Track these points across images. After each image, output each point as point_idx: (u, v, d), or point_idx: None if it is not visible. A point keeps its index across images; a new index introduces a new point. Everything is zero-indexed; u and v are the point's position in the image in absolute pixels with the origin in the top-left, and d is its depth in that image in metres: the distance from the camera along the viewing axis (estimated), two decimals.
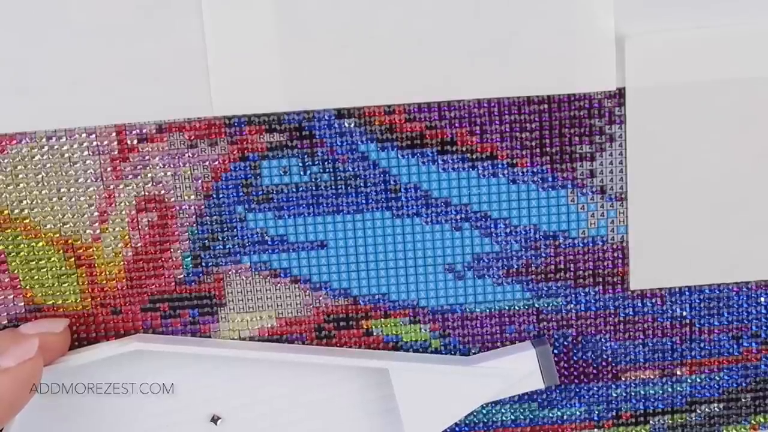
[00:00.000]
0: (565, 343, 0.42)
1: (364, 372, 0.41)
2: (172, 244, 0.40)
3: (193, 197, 0.40)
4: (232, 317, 0.41)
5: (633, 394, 0.43)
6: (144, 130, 0.39)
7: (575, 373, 0.42)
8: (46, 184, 0.39)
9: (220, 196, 0.40)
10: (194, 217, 0.40)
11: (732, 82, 0.39)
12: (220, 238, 0.40)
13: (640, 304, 0.42)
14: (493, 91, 0.39)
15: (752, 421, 0.43)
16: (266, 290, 0.41)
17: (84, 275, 0.40)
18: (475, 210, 0.40)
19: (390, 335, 0.42)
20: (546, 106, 0.39)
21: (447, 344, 0.42)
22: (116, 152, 0.39)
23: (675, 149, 0.39)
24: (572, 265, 0.41)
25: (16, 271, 0.40)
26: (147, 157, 0.39)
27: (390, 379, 0.40)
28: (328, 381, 0.41)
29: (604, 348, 0.42)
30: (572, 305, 0.41)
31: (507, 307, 0.41)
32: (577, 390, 0.43)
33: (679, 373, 0.42)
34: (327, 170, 0.40)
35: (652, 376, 0.42)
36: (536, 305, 0.41)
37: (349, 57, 0.38)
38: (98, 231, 0.40)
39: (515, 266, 0.41)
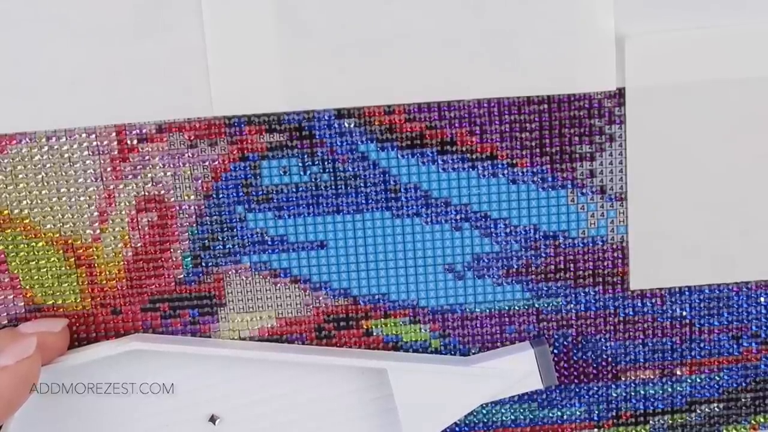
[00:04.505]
0: (565, 343, 0.42)
1: (364, 372, 0.41)
2: (172, 244, 0.40)
3: (193, 197, 0.40)
4: (232, 317, 0.41)
5: (633, 394, 0.43)
6: (144, 130, 0.39)
7: (575, 373, 0.42)
8: (46, 184, 0.39)
9: (220, 196, 0.40)
10: (194, 217, 0.40)
11: (732, 82, 0.39)
12: (220, 238, 0.40)
13: (640, 304, 0.42)
14: (493, 91, 0.39)
15: (752, 421, 0.43)
16: (266, 290, 0.41)
17: (84, 275, 0.40)
18: (475, 210, 0.40)
19: (390, 335, 0.42)
20: (546, 106, 0.39)
21: (447, 344, 0.42)
22: (116, 152, 0.39)
23: (675, 149, 0.39)
24: (572, 265, 0.41)
25: (16, 271, 0.40)
26: (147, 157, 0.39)
27: (389, 380, 0.40)
28: (328, 381, 0.41)
29: (604, 348, 0.42)
30: (572, 305, 0.41)
31: (507, 307, 0.41)
32: (577, 390, 0.43)
33: (679, 373, 0.42)
34: (327, 170, 0.40)
35: (652, 376, 0.42)
36: (536, 305, 0.41)
37: (349, 57, 0.38)
38: (98, 231, 0.40)
39: (515, 266, 0.41)
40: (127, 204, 0.40)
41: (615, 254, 0.41)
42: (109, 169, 0.39)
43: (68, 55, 0.38)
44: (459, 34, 0.38)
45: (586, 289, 0.41)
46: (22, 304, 0.40)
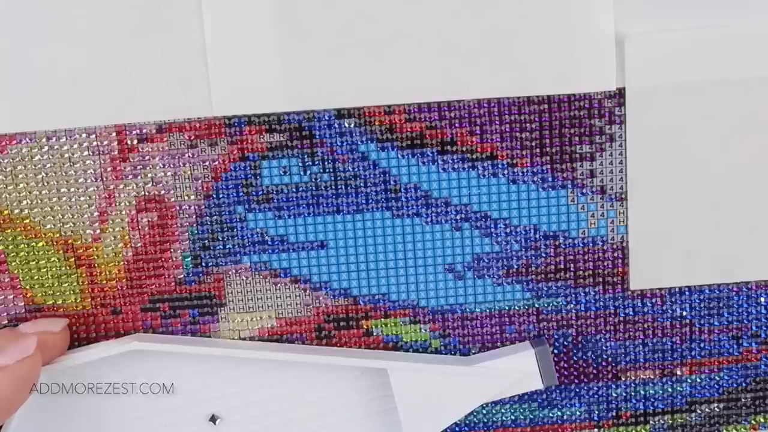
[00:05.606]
0: (565, 343, 0.42)
1: (364, 372, 0.41)
2: (172, 244, 0.40)
3: (193, 197, 0.40)
4: (232, 317, 0.41)
5: (633, 394, 0.43)
6: (144, 130, 0.39)
7: (575, 373, 0.42)
8: (46, 184, 0.39)
9: (220, 196, 0.40)
10: (194, 217, 0.40)
11: (732, 82, 0.39)
12: (220, 238, 0.40)
13: (640, 304, 0.42)
14: (493, 91, 0.39)
15: (752, 421, 0.43)
16: (266, 290, 0.41)
17: (84, 275, 0.40)
18: (475, 210, 0.40)
19: (390, 335, 0.42)
20: (546, 106, 0.39)
21: (447, 344, 0.42)
22: (116, 152, 0.39)
23: (675, 149, 0.39)
24: (572, 265, 0.41)
25: (16, 271, 0.40)
26: (147, 157, 0.39)
27: (389, 380, 0.40)
28: (328, 381, 0.41)
29: (604, 348, 0.42)
30: (572, 305, 0.41)
31: (507, 307, 0.41)
32: (577, 390, 0.43)
33: (679, 373, 0.42)
34: (327, 170, 0.40)
35: (652, 376, 0.42)
36: (536, 305, 0.41)
37: (349, 57, 0.38)
38: (98, 231, 0.40)
39: (515, 266, 0.41)
40: (127, 204, 0.40)
41: (615, 254, 0.41)
42: (109, 169, 0.39)
43: (68, 55, 0.38)
44: (459, 34, 0.38)
45: (586, 289, 0.41)
46: (22, 304, 0.40)
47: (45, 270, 0.40)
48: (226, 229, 0.40)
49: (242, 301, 0.41)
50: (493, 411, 0.43)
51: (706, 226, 0.40)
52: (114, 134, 0.39)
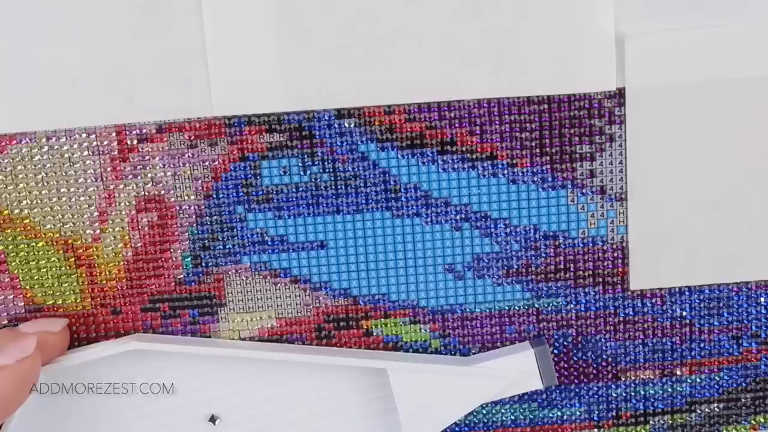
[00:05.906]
0: (565, 343, 0.42)
1: (364, 372, 0.41)
2: (172, 244, 0.40)
3: (193, 197, 0.40)
4: (232, 317, 0.41)
5: (633, 394, 0.43)
6: (144, 130, 0.39)
7: (575, 373, 0.42)
8: (46, 184, 0.39)
9: (220, 196, 0.40)
10: (194, 217, 0.40)
11: (732, 82, 0.39)
12: (220, 238, 0.40)
13: (640, 304, 0.42)
14: (493, 91, 0.39)
15: (752, 421, 0.43)
16: (266, 290, 0.41)
17: (84, 275, 0.40)
18: (475, 210, 0.40)
19: (390, 335, 0.42)
20: (546, 106, 0.39)
21: (447, 344, 0.42)
22: (116, 152, 0.39)
23: (675, 149, 0.39)
24: (572, 265, 0.41)
25: (16, 271, 0.40)
26: (147, 157, 0.39)
27: (389, 380, 0.40)
28: (328, 381, 0.41)
29: (604, 348, 0.42)
30: (572, 305, 0.41)
31: (507, 307, 0.41)
32: (577, 390, 0.43)
33: (679, 373, 0.42)
34: (327, 170, 0.40)
35: (652, 376, 0.42)
36: (536, 305, 0.41)
37: (349, 57, 0.38)
38: (98, 231, 0.40)
39: (515, 266, 0.41)
40: (127, 204, 0.40)
41: (615, 254, 0.41)
42: (109, 169, 0.39)
43: (68, 55, 0.38)
44: (459, 34, 0.38)
45: (586, 289, 0.41)
46: (22, 304, 0.40)
47: (45, 270, 0.40)
48: (226, 229, 0.40)
49: (242, 301, 0.41)
50: (493, 411, 0.43)
51: (706, 226, 0.40)
52: (114, 134, 0.39)
